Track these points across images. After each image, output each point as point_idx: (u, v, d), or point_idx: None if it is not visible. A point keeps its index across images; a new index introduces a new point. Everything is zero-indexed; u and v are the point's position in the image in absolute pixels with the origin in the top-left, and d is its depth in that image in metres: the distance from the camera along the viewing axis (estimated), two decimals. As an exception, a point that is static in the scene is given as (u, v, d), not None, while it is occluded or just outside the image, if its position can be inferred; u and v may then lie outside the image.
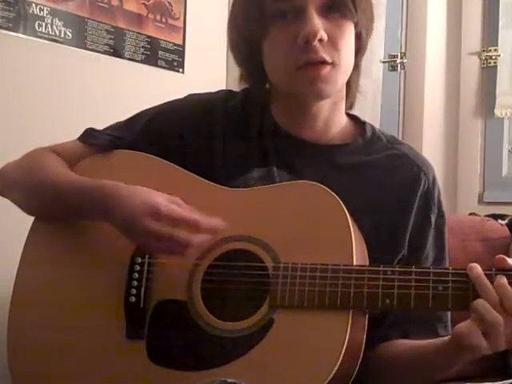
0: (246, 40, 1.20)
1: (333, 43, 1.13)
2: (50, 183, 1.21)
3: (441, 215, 1.24)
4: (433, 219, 1.22)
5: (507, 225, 2.21)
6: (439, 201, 1.24)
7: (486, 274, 0.99)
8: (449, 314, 1.21)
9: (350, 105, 1.28)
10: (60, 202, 1.20)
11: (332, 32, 1.13)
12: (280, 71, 1.17)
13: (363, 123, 1.29)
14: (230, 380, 0.89)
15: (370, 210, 1.14)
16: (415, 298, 1.00)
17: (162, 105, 1.32)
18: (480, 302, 0.96)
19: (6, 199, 1.30)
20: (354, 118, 1.30)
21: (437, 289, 0.99)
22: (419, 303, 1.00)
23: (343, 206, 1.07)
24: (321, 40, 1.12)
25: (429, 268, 1.03)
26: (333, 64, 1.14)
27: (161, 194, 1.10)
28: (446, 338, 1.07)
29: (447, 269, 1.02)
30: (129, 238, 1.11)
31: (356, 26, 1.17)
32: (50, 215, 1.23)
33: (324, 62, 1.13)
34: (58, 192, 1.19)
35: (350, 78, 1.22)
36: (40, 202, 1.24)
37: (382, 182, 1.20)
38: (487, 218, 2.27)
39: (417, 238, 1.20)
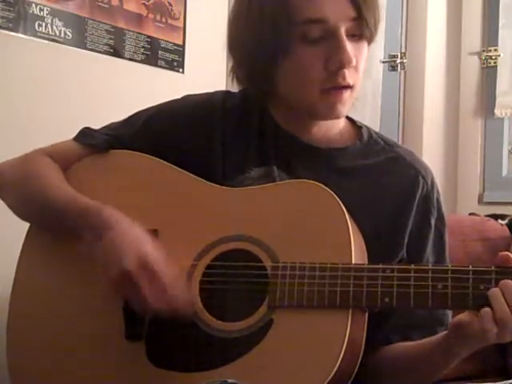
0: (261, 44, 1.15)
1: (356, 66, 1.13)
2: (43, 197, 1.20)
3: (441, 218, 1.24)
4: (432, 222, 1.22)
5: (507, 225, 2.21)
6: (439, 204, 1.24)
7: (485, 271, 0.99)
8: (449, 317, 1.20)
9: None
10: (51, 217, 1.19)
11: (356, 56, 1.13)
12: (302, 90, 1.16)
13: (360, 127, 1.29)
14: (230, 380, 0.89)
15: (368, 212, 1.14)
16: (414, 296, 1.00)
17: (159, 105, 1.31)
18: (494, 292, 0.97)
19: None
20: (351, 122, 1.30)
21: (436, 287, 0.99)
22: (419, 302, 1.00)
23: (341, 204, 1.07)
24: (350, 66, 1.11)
25: (428, 266, 1.04)
26: (353, 87, 1.14)
27: (151, 245, 1.08)
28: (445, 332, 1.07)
29: (446, 267, 1.02)
30: (103, 273, 1.08)
31: (368, 44, 1.17)
32: (41, 225, 1.23)
33: (347, 86, 1.13)
34: (50, 207, 1.18)
35: None
36: (31, 213, 1.23)
37: (380, 184, 1.20)
38: (487, 218, 2.28)
39: (416, 241, 1.20)
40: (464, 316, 1.00)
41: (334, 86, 1.13)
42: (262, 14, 1.14)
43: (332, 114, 1.16)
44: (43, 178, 1.23)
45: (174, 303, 1.05)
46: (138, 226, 1.11)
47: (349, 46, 1.11)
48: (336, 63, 1.11)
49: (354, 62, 1.11)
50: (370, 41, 1.16)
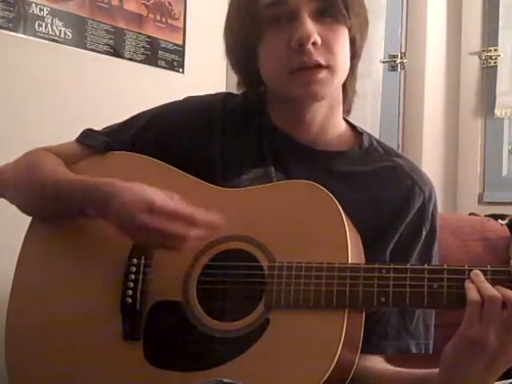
0: (241, 45, 1.20)
1: (327, 47, 1.14)
2: (48, 179, 1.20)
3: (432, 231, 1.23)
4: (423, 233, 1.21)
5: (507, 225, 2.21)
6: (433, 217, 1.23)
7: (480, 271, 0.99)
8: (421, 331, 1.20)
9: (347, 110, 1.28)
10: (58, 198, 1.19)
11: (326, 36, 1.14)
12: (274, 75, 1.18)
13: (361, 133, 1.29)
14: (226, 380, 0.89)
15: (359, 218, 1.12)
16: (410, 296, 1.00)
17: (160, 106, 1.32)
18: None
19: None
20: (352, 127, 1.30)
21: (432, 287, 1.00)
22: (414, 301, 1.00)
23: (338, 204, 1.07)
24: (314, 43, 1.12)
25: (424, 265, 1.03)
26: (328, 67, 1.14)
27: (156, 189, 1.10)
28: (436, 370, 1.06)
29: (442, 266, 1.02)
30: (124, 234, 1.11)
31: (350, 31, 1.18)
32: (47, 213, 1.23)
33: (319, 66, 1.13)
34: (56, 188, 1.19)
35: (346, 83, 1.22)
36: (37, 199, 1.23)
37: (374, 192, 1.20)
38: (487, 218, 2.27)
39: (403, 248, 1.19)
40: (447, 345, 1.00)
41: (301, 65, 1.13)
42: (234, 9, 1.21)
43: (307, 93, 1.15)
44: (43, 163, 1.24)
45: (200, 225, 1.07)
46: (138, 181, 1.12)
47: (310, 24, 1.12)
48: (296, 40, 1.12)
49: (317, 40, 1.12)
50: (347, 25, 1.16)
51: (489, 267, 0.99)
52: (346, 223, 1.06)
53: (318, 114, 1.22)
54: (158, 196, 1.08)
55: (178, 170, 1.21)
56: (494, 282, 0.98)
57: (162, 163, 1.22)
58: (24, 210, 1.27)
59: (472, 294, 0.97)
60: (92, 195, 1.14)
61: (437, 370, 1.05)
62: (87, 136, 1.31)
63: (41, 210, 1.25)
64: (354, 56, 1.21)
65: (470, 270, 0.99)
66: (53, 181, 1.20)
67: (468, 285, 0.98)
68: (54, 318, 1.18)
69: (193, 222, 1.07)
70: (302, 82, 1.14)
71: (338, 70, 1.16)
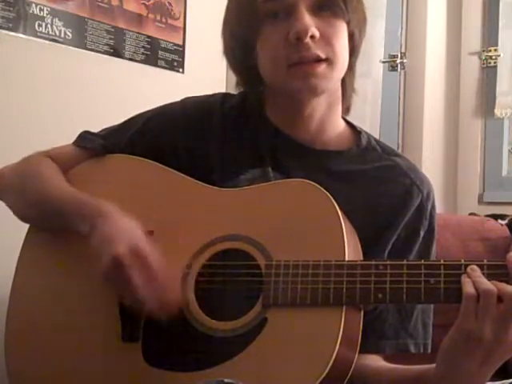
0: (239, 43, 1.20)
1: (326, 40, 1.14)
2: (43, 192, 1.21)
3: (430, 231, 1.22)
4: (421, 233, 1.21)
5: (507, 225, 2.21)
6: (432, 217, 1.23)
7: (477, 265, 0.99)
8: (419, 330, 1.21)
9: (346, 108, 1.28)
10: (50, 213, 1.20)
11: (324, 29, 1.13)
12: (272, 69, 1.17)
13: (359, 132, 1.28)
14: (226, 380, 0.89)
15: (358, 217, 1.12)
16: (407, 291, 1.00)
17: (157, 108, 1.32)
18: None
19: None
20: (351, 126, 1.30)
21: (428, 282, 0.99)
22: (412, 297, 1.00)
23: (333, 201, 1.07)
24: (312, 37, 1.12)
25: (420, 261, 1.03)
26: (327, 60, 1.14)
27: (142, 233, 1.09)
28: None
29: (439, 261, 1.02)
30: (96, 262, 1.07)
31: (348, 25, 1.17)
32: (43, 225, 1.24)
33: (318, 60, 1.13)
34: (49, 202, 1.19)
35: (345, 79, 1.22)
36: (31, 210, 1.24)
37: (372, 191, 1.20)
38: (487, 218, 2.27)
39: (401, 249, 1.19)
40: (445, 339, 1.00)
41: (300, 59, 1.13)
42: (232, 6, 1.21)
43: (306, 86, 1.14)
44: (42, 175, 1.24)
45: (163, 294, 1.05)
46: (133, 220, 1.11)
47: (307, 18, 1.12)
48: (294, 34, 1.12)
49: (315, 34, 1.12)
50: (345, 19, 1.16)
51: (485, 261, 0.99)
52: (342, 220, 1.05)
53: (316, 111, 1.21)
54: (144, 242, 1.07)
55: (175, 171, 1.20)
56: (490, 277, 0.98)
57: (160, 165, 1.22)
58: (19, 217, 1.27)
59: (468, 288, 0.97)
60: (82, 213, 1.14)
61: (433, 366, 1.05)
62: (84, 139, 1.31)
63: (35, 220, 1.25)
64: (353, 52, 1.21)
65: (466, 265, 0.99)
66: (47, 193, 1.20)
67: (464, 279, 0.98)
68: (53, 319, 1.18)
69: (156, 280, 1.04)
70: (301, 75, 1.13)
71: (337, 63, 1.15)
